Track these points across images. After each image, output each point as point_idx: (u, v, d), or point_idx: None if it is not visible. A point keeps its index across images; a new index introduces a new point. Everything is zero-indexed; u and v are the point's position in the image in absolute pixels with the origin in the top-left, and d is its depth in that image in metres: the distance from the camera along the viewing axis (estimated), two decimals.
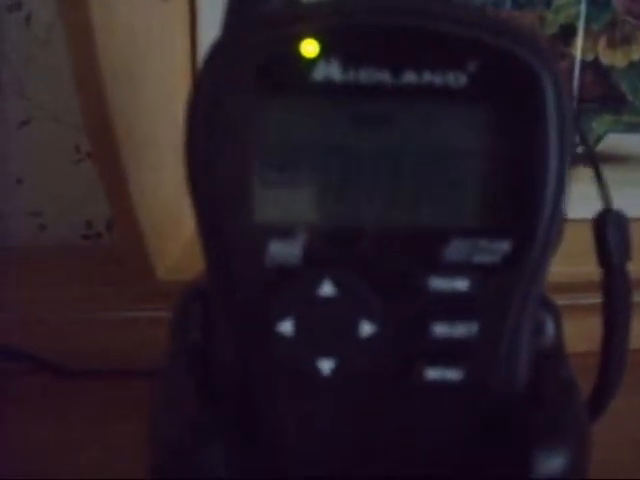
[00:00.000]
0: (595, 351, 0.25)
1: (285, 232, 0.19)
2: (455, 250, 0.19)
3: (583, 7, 0.41)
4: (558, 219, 0.20)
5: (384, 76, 0.19)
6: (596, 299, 0.25)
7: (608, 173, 0.25)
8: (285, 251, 0.19)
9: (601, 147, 0.42)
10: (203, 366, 0.21)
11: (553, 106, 0.19)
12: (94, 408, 0.33)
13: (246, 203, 0.19)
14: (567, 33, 0.41)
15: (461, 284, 0.19)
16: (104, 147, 0.34)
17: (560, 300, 0.23)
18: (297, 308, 0.19)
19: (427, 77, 0.19)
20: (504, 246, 0.19)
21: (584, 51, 0.41)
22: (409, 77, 0.19)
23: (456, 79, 0.19)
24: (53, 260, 0.45)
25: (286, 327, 0.19)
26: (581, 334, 0.29)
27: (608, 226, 0.24)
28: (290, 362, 0.20)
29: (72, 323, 0.37)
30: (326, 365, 0.19)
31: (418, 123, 0.19)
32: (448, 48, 0.19)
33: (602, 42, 0.42)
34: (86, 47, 0.31)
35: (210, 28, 0.40)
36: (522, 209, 0.19)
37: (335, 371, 0.19)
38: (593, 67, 0.42)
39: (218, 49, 0.19)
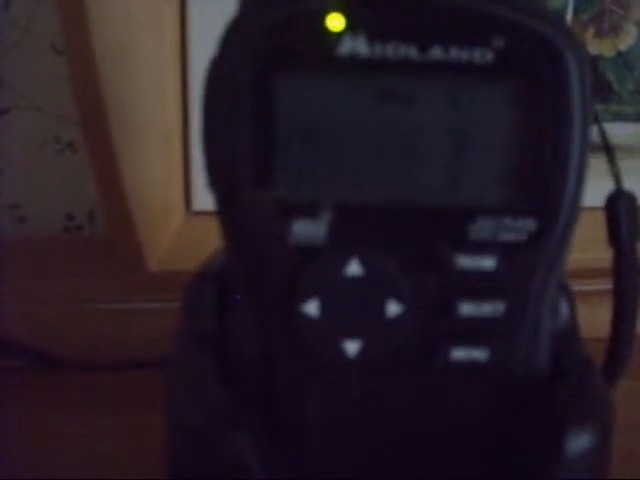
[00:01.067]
0: (604, 338, 0.25)
1: (310, 210, 0.19)
2: (481, 228, 0.19)
3: None
4: (581, 195, 0.20)
5: (411, 51, 0.18)
6: (603, 285, 0.26)
7: (595, 162, 0.25)
8: (310, 230, 0.19)
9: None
10: (222, 353, 0.21)
11: (577, 84, 0.19)
12: (88, 401, 0.32)
13: (268, 181, 0.19)
14: None
15: (487, 262, 0.19)
16: (96, 134, 0.33)
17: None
18: (322, 288, 0.19)
19: (454, 53, 0.19)
20: (529, 224, 0.19)
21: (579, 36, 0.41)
22: (436, 53, 0.18)
23: (482, 55, 0.19)
24: (35, 253, 0.44)
25: (311, 308, 0.19)
26: (591, 321, 0.29)
27: (619, 206, 0.24)
28: (315, 344, 0.19)
29: (61, 315, 0.36)
30: (352, 347, 0.19)
31: (444, 99, 0.19)
32: (475, 24, 0.19)
33: (590, 32, 0.42)
34: (79, 32, 0.30)
35: (200, 12, 0.39)
36: (547, 186, 0.19)
37: (361, 353, 0.19)
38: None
39: (236, 26, 0.19)
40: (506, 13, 0.19)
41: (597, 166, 0.24)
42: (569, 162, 0.19)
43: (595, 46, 0.42)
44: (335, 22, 0.18)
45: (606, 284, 0.26)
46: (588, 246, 0.28)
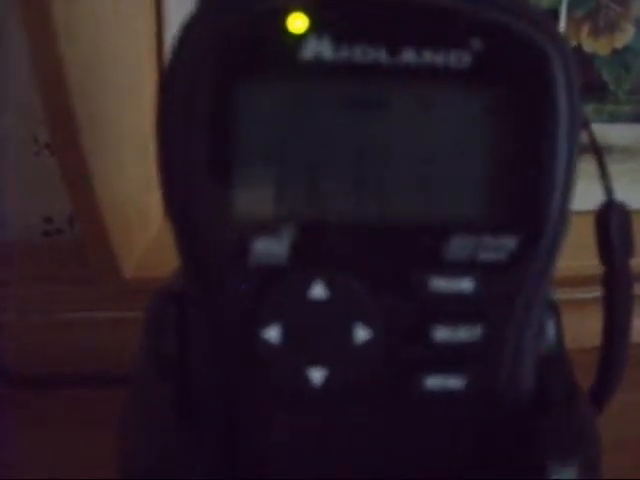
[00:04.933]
0: (595, 346, 0.24)
1: (270, 228, 0.17)
2: (457, 247, 0.18)
3: None
4: (567, 211, 0.18)
5: (380, 55, 0.17)
6: (592, 293, 0.24)
7: (590, 164, 0.23)
8: (271, 249, 0.17)
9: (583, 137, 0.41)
10: (179, 377, 0.19)
11: (563, 90, 0.17)
12: (59, 418, 0.31)
13: (226, 196, 0.17)
14: None
15: (464, 284, 0.18)
16: (65, 137, 0.32)
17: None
18: (285, 312, 0.17)
19: (427, 56, 0.17)
20: (510, 242, 0.18)
21: (567, 38, 0.40)
22: (408, 56, 0.17)
23: (459, 59, 0.17)
24: (11, 258, 0.42)
25: (273, 333, 0.17)
26: (581, 330, 0.27)
27: (611, 221, 0.22)
28: (277, 372, 0.18)
29: (34, 325, 0.35)
30: (317, 375, 0.18)
31: (416, 108, 0.17)
32: (451, 25, 0.17)
33: (585, 29, 0.41)
34: (46, 33, 0.29)
35: (176, 11, 0.38)
36: (529, 201, 0.18)
37: (327, 381, 0.18)
38: (575, 55, 0.40)
39: (191, 26, 0.17)
40: (485, 12, 0.17)
41: (587, 169, 0.23)
42: (554, 175, 0.18)
43: (590, 44, 0.41)
44: (297, 23, 0.17)
45: (596, 292, 0.24)
46: (577, 252, 0.27)
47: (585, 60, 0.41)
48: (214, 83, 0.17)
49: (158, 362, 0.20)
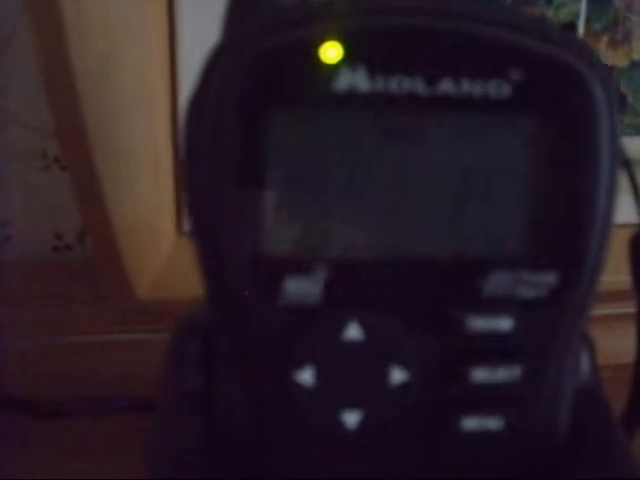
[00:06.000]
0: (624, 364, 0.23)
1: (303, 267, 0.17)
2: (495, 284, 0.17)
3: (583, 5, 0.39)
4: (606, 245, 0.18)
5: (417, 85, 0.16)
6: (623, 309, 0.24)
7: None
8: (303, 289, 0.17)
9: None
10: (205, 415, 0.18)
11: (605, 119, 0.17)
12: (68, 448, 0.30)
13: (256, 232, 0.17)
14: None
15: (502, 322, 0.17)
16: (78, 155, 0.31)
17: None
18: (318, 354, 0.17)
19: (466, 87, 0.16)
20: (549, 278, 0.17)
21: (606, 65, 0.39)
22: (445, 86, 0.16)
23: (498, 89, 0.16)
24: (19, 275, 0.42)
25: (306, 376, 0.17)
26: (612, 346, 0.27)
27: None
28: (311, 415, 0.17)
29: (42, 348, 0.34)
30: (351, 418, 0.17)
31: (454, 139, 0.17)
32: (489, 54, 0.16)
33: (603, 41, 0.40)
34: (57, 44, 0.28)
35: (190, 24, 0.37)
36: (570, 236, 0.17)
37: (361, 424, 0.17)
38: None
39: (221, 54, 0.17)
40: (524, 41, 0.16)
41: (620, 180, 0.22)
42: (595, 208, 0.17)
43: (609, 56, 0.40)
44: (331, 53, 0.16)
45: (627, 307, 0.24)
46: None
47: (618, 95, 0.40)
48: (244, 113, 0.16)
49: (182, 397, 0.19)
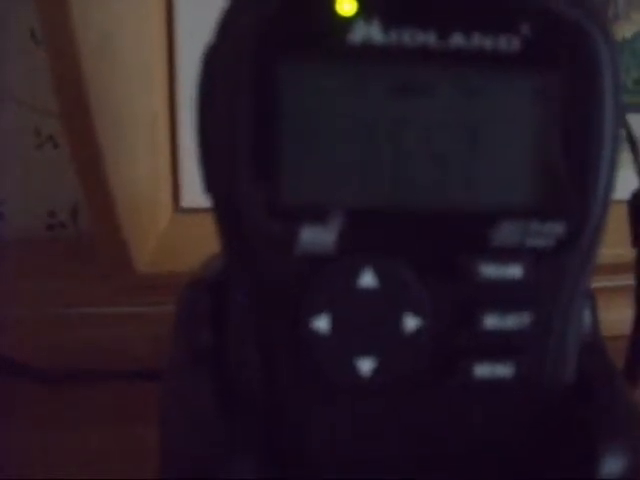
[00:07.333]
0: (624, 335, 0.24)
1: (318, 215, 0.17)
2: (505, 233, 0.17)
3: None
4: (610, 196, 0.18)
5: (429, 38, 0.17)
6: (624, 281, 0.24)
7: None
8: (318, 237, 0.17)
9: None
10: (219, 370, 0.19)
11: (609, 72, 0.17)
12: (76, 414, 0.30)
13: (272, 183, 0.17)
14: None
15: (512, 270, 0.18)
16: (78, 129, 0.31)
17: None
18: (333, 302, 0.17)
19: (476, 40, 0.17)
20: (558, 228, 0.18)
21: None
22: (457, 40, 0.17)
23: (508, 43, 0.17)
24: (15, 252, 0.42)
25: (321, 323, 0.17)
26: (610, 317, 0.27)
27: None
28: (325, 363, 0.17)
29: (46, 319, 0.34)
30: (366, 365, 0.17)
31: (464, 92, 0.17)
32: (500, 9, 0.17)
33: None
34: (61, 22, 0.28)
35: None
36: (578, 186, 0.18)
37: (376, 371, 0.17)
38: None
39: (235, 9, 0.17)
40: None
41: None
42: (601, 158, 0.18)
43: None
44: (346, 6, 0.16)
45: (627, 280, 0.24)
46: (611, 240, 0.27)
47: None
48: (259, 66, 0.16)
49: (194, 354, 0.20)
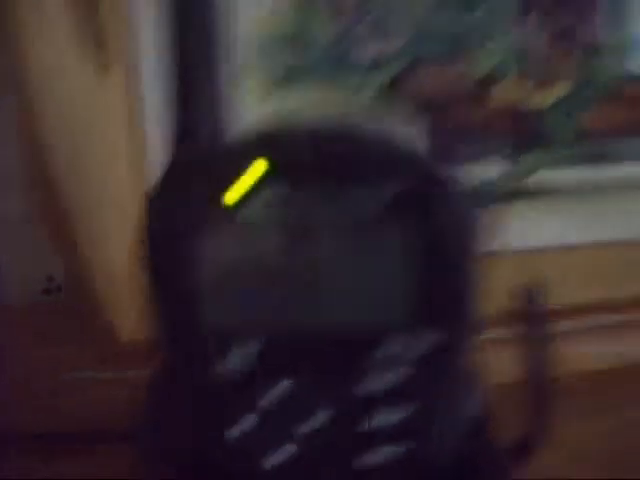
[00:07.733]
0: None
1: (239, 343, 0.21)
2: (390, 346, 0.22)
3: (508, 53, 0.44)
4: (474, 305, 0.22)
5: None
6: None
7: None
8: (240, 359, 0.21)
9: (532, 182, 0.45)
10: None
11: (464, 227, 0.22)
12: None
13: (198, 315, 0.21)
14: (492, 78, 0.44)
15: (397, 375, 0.22)
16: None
17: None
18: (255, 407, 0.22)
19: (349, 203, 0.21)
20: (434, 336, 0.22)
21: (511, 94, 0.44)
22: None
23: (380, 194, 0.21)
24: (11, 317, 0.45)
25: (247, 423, 0.22)
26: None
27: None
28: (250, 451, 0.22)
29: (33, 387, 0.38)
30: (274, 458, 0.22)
31: (346, 244, 0.22)
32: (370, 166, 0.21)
33: (529, 84, 0.45)
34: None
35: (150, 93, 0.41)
36: (445, 304, 0.22)
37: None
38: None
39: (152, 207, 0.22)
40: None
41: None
42: (464, 281, 0.22)
43: (535, 97, 0.45)
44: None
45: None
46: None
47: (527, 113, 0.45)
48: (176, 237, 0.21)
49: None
